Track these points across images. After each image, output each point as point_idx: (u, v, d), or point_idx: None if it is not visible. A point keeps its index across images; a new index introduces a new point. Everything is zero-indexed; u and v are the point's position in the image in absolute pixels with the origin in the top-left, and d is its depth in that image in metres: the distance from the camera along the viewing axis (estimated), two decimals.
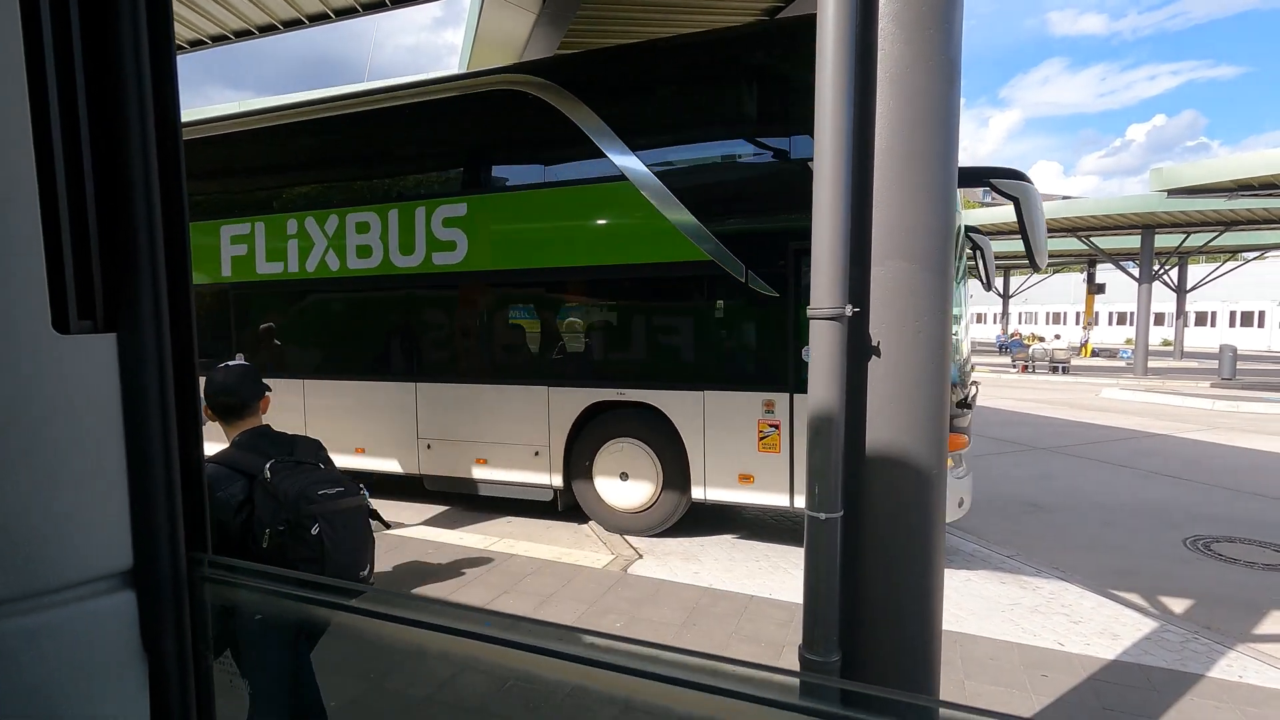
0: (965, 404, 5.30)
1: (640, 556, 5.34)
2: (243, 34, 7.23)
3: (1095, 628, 4.20)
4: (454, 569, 4.94)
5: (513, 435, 6.05)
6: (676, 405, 5.54)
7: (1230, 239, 21.66)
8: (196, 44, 7.40)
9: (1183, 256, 23.08)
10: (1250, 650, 3.92)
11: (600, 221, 5.68)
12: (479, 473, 6.23)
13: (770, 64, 5.41)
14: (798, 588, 4.65)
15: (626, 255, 5.63)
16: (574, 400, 5.83)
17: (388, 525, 2.99)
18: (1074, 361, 23.55)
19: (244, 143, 7.13)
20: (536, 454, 6.00)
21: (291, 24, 7.04)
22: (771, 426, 5.23)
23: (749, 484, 5.37)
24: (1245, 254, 26.99)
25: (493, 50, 8.31)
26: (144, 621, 0.58)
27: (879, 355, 1.96)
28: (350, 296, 6.67)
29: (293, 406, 6.75)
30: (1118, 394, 16.75)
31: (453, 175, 6.51)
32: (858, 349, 1.96)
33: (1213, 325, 38.70)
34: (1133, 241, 20.85)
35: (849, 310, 1.92)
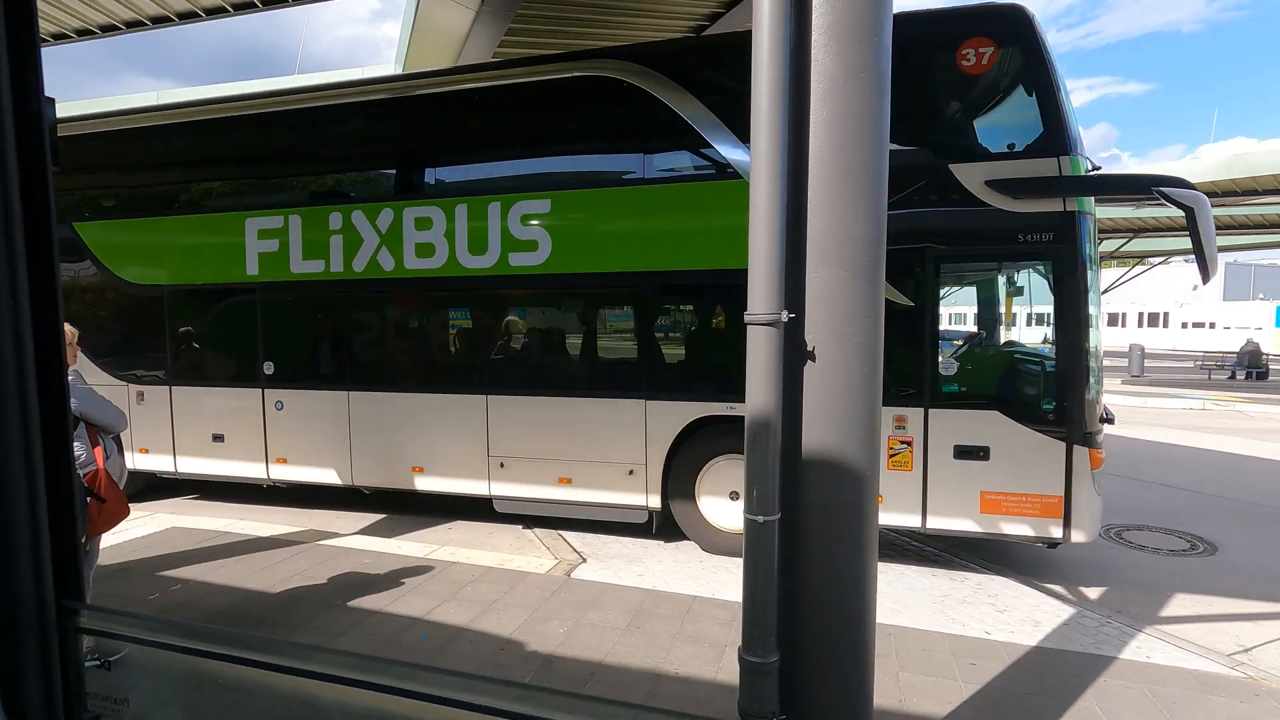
0: (1106, 419, 4.87)
1: (584, 560, 5.31)
2: (160, 20, 6.84)
3: (1019, 616, 4.40)
4: (393, 579, 4.80)
5: (604, 453, 5.55)
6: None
7: (1138, 245, 23.11)
8: (108, 29, 6.97)
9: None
10: (1156, 632, 4.18)
11: (711, 221, 5.21)
12: (562, 493, 5.69)
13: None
14: (740, 587, 4.70)
15: (743, 259, 5.51)
16: (677, 415, 5.36)
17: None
18: None
19: (279, 124, 6.47)
20: (631, 472, 5.50)
21: (214, 11, 6.70)
22: (903, 444, 4.95)
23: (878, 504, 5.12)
24: (1151, 259, 28.85)
25: (431, 47, 8.14)
26: (2, 681, 0.51)
27: (814, 360, 2.00)
28: (406, 299, 6.13)
29: (333, 420, 6.19)
30: None
31: (533, 168, 6.00)
32: (794, 354, 2.00)
33: (1123, 325, 41.31)
34: None
35: (785, 316, 1.95)
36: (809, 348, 1.99)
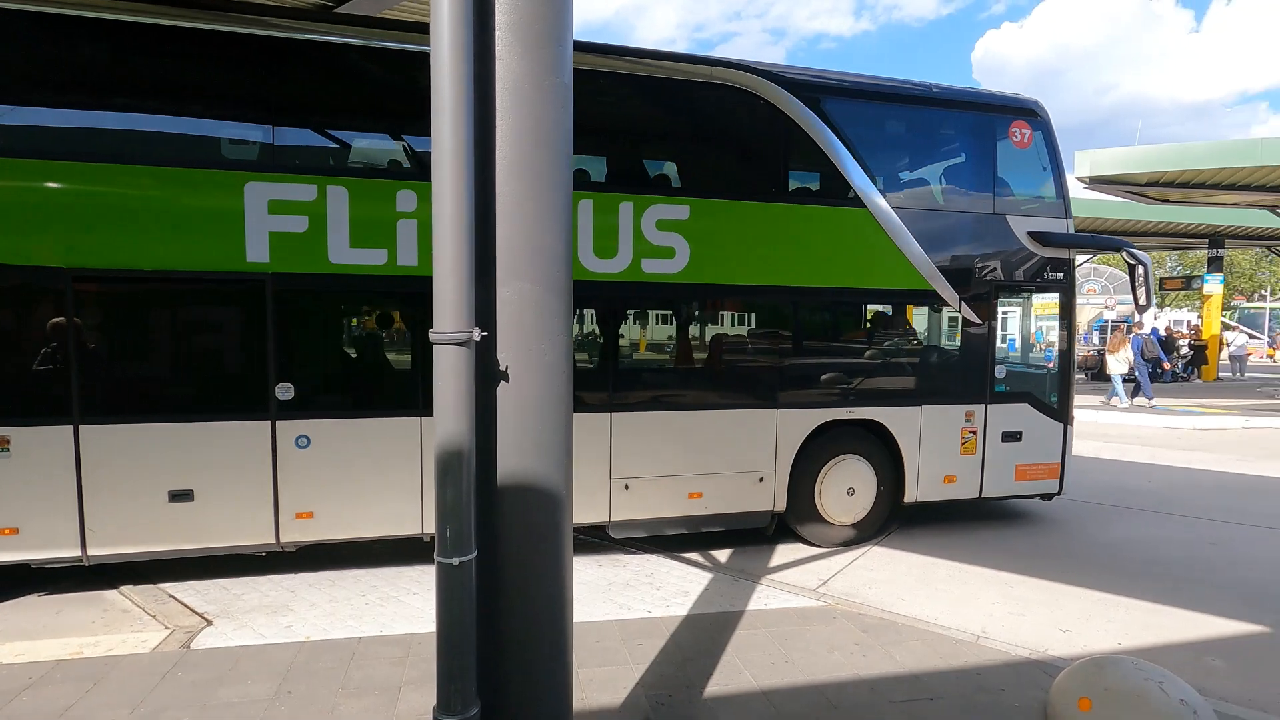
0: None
1: (210, 623, 4.31)
2: None
3: (672, 590, 4.93)
4: None
5: (735, 464, 5.66)
6: (898, 420, 6.01)
7: None
8: None
9: None
10: (770, 582, 5.11)
11: (837, 243, 5.80)
12: (690, 509, 5.59)
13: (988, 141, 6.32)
14: (413, 614, 4.31)
15: (861, 279, 5.94)
16: (804, 421, 5.77)
17: None
18: None
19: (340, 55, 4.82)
20: (761, 480, 5.73)
21: None
22: (971, 433, 6.14)
23: (952, 483, 6.21)
24: None
25: None
26: None
27: (507, 380, 1.87)
28: None
29: (405, 454, 4.87)
30: None
31: (671, 170, 5.83)
32: (486, 374, 1.84)
33: None
34: None
35: (477, 334, 1.79)
36: (502, 367, 1.86)
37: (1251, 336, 26.95)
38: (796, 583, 5.13)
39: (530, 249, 1.87)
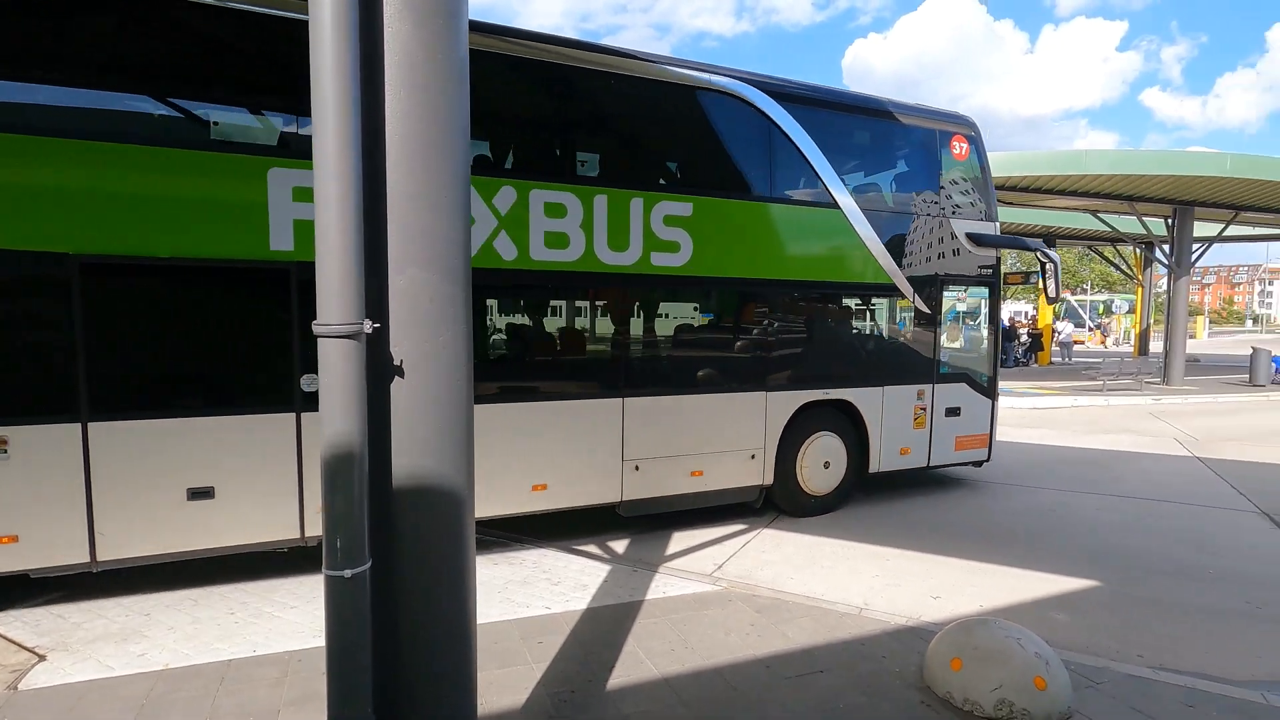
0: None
1: (41, 658, 3.77)
2: None
3: (571, 584, 4.88)
4: None
5: (730, 442, 6.14)
6: (865, 400, 6.76)
7: None
8: None
9: None
10: (667, 570, 5.17)
11: (815, 240, 6.52)
12: (692, 486, 6.04)
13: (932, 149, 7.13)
14: (291, 630, 4.00)
15: (835, 274, 6.62)
16: (789, 403, 6.37)
17: None
18: None
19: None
20: (753, 457, 6.25)
21: None
22: (921, 409, 7.02)
23: (906, 454, 7.04)
24: None
25: None
26: None
27: (402, 375, 1.74)
28: (529, 296, 5.70)
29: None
30: None
31: (675, 169, 6.20)
32: (379, 369, 1.70)
33: None
34: None
35: (369, 326, 1.64)
36: (396, 361, 1.72)
37: (1076, 326, 30.57)
38: (693, 569, 5.23)
39: (426, 234, 1.75)
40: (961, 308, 7.65)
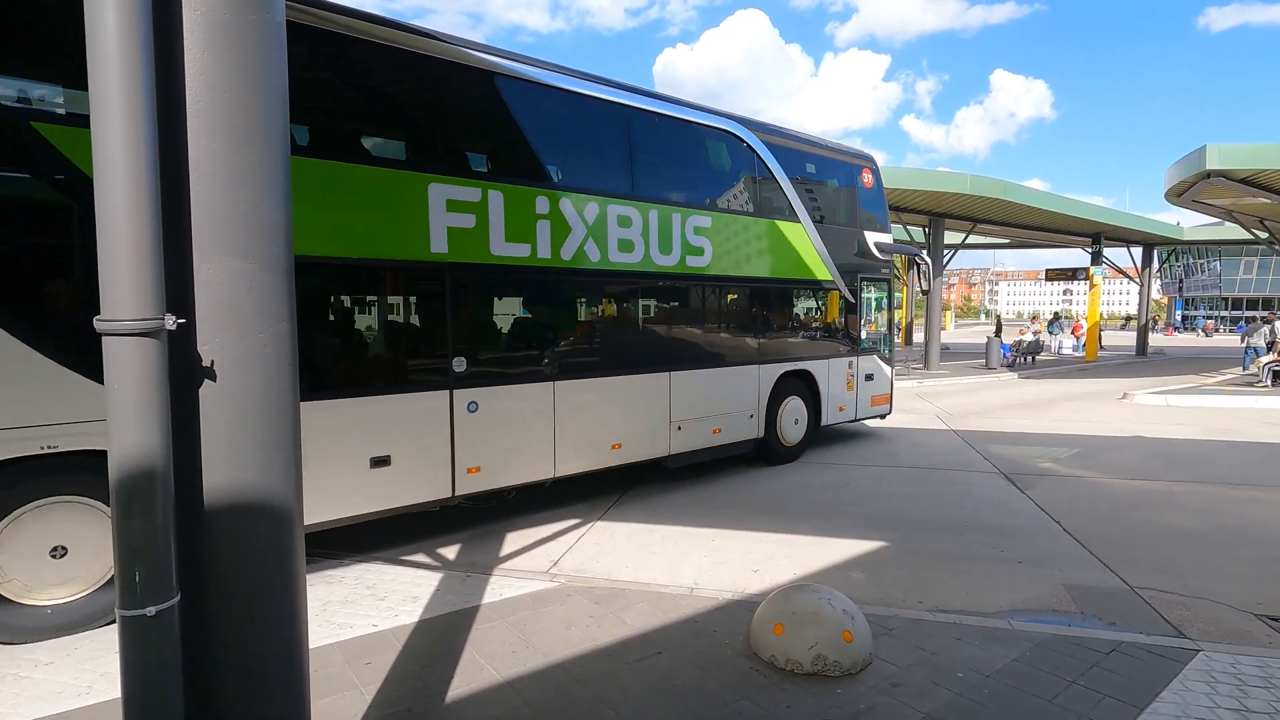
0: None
1: None
2: None
3: (400, 597, 4.59)
4: None
5: (738, 405, 7.92)
6: (819, 369, 8.88)
7: None
8: None
9: None
10: (502, 571, 5.06)
11: (786, 248, 8.34)
12: (714, 440, 7.70)
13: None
14: (48, 692, 3.38)
15: (799, 274, 8.53)
16: (774, 373, 8.30)
17: None
18: None
19: (495, 92, 5.95)
20: (751, 416, 8.07)
21: None
22: (851, 376, 9.33)
23: (843, 411, 9.29)
24: None
25: None
26: None
27: (214, 378, 1.52)
28: (608, 290, 6.77)
29: (537, 414, 6.09)
30: None
31: (699, 190, 7.62)
32: (185, 371, 1.47)
33: None
34: None
35: (171, 322, 1.41)
36: (206, 362, 1.50)
37: None
38: (529, 567, 5.17)
39: (239, 218, 1.53)
40: (872, 299, 9.89)
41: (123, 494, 1.36)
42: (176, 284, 1.45)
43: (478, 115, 6.04)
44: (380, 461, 5.17)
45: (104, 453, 3.83)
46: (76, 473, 3.98)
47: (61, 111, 4.05)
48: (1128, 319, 29.21)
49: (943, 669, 3.55)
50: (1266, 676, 3.44)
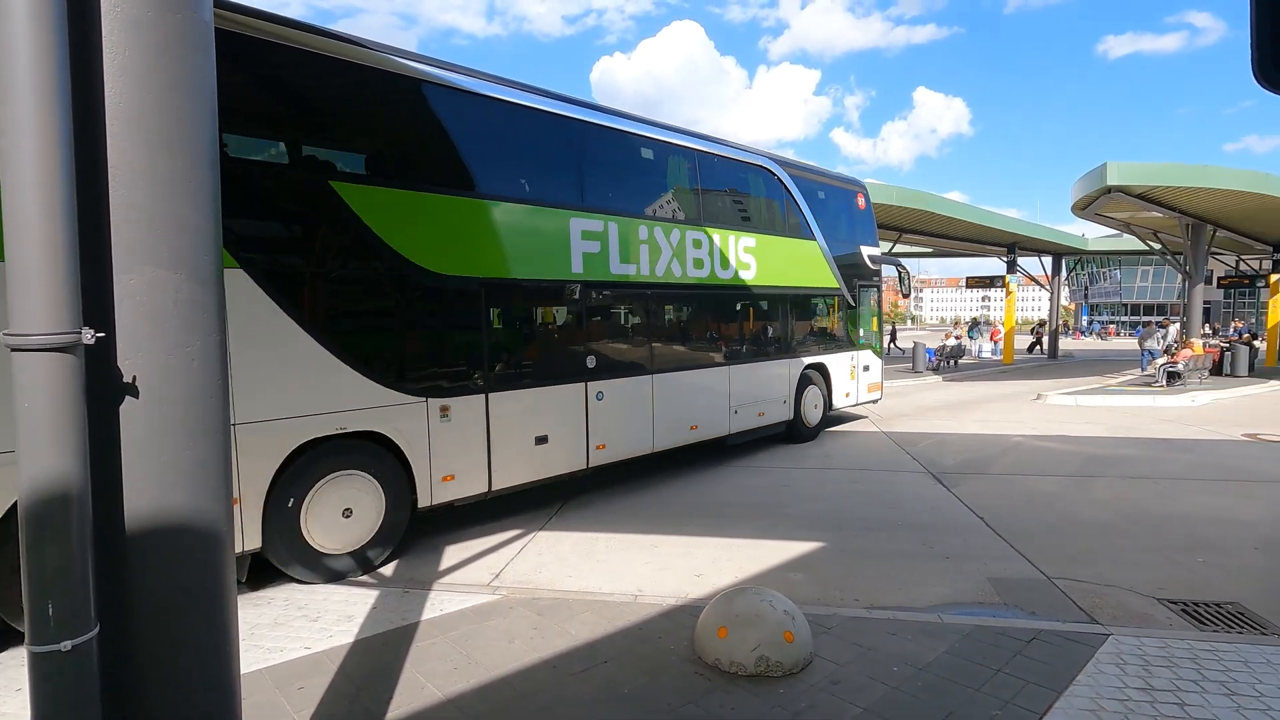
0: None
1: None
2: None
3: (334, 617, 4.42)
4: None
5: (776, 393, 9.57)
6: (830, 362, 10.66)
7: None
8: None
9: None
10: (442, 586, 4.95)
11: (806, 262, 10.09)
12: (759, 422, 9.28)
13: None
14: None
15: (815, 283, 10.30)
16: (799, 366, 10.04)
17: None
18: None
19: (611, 144, 7.51)
20: (784, 402, 9.73)
21: None
22: (852, 367, 11.13)
23: (847, 396, 11.11)
24: None
25: None
26: None
27: (136, 394, 1.43)
28: (687, 300, 8.32)
29: (641, 401, 7.58)
30: None
31: (745, 216, 9.20)
32: (104, 388, 1.38)
33: None
34: None
35: (89, 335, 1.32)
36: (127, 378, 1.41)
37: None
38: (470, 581, 5.07)
39: (164, 227, 1.45)
40: (866, 302, 11.56)
41: (32, 522, 1.26)
42: (95, 296, 1.36)
43: (601, 161, 7.47)
44: (541, 440, 6.55)
45: (378, 434, 5.34)
46: (359, 451, 5.32)
47: (357, 171, 5.67)
48: (1039, 332, 31.22)
49: (879, 664, 3.67)
50: (1168, 656, 3.71)
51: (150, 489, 1.45)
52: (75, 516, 1.30)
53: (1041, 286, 28.77)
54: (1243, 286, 27.31)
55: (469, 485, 5.99)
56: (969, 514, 6.68)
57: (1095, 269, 66.42)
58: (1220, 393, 15.83)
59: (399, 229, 5.51)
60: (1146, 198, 16.14)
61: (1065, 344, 36.80)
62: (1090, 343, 46.87)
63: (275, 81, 5.07)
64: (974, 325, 34.47)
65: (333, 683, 3.62)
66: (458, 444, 5.86)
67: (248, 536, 4.71)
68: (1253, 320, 33.58)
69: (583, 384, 6.95)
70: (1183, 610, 4.48)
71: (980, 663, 3.67)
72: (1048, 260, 28.18)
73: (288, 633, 4.20)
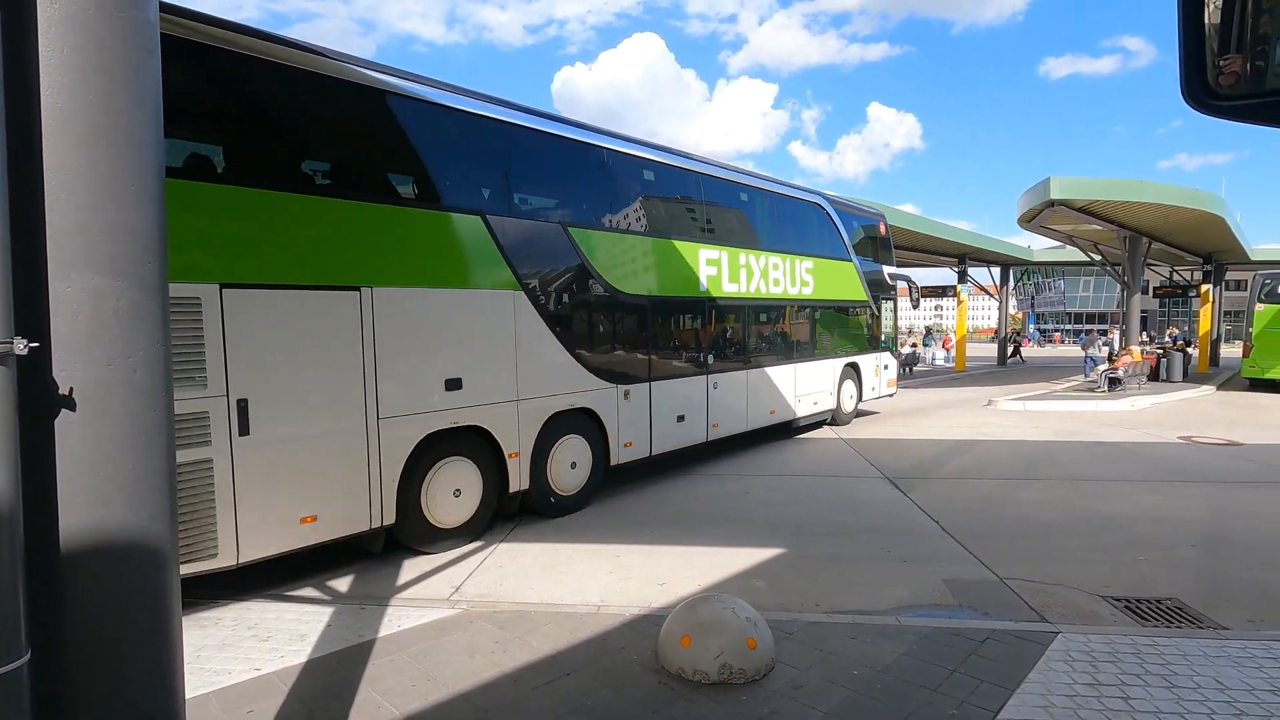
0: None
1: None
2: None
3: (285, 636, 4.28)
4: None
5: (825, 386, 11.87)
6: (862, 361, 12.89)
7: None
8: None
9: None
10: (400, 601, 4.83)
11: (846, 279, 12.25)
12: (814, 409, 11.62)
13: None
14: None
15: (851, 296, 12.44)
16: (840, 364, 12.27)
17: None
18: None
19: (723, 189, 9.87)
20: (830, 394, 12.03)
21: None
22: (876, 365, 13.40)
23: (873, 390, 13.41)
24: None
25: None
26: None
27: (73, 407, 1.36)
28: (768, 312, 10.43)
29: (741, 388, 9.76)
30: None
31: (804, 243, 11.22)
32: (38, 400, 1.31)
33: None
34: None
35: (20, 345, 1.26)
36: (63, 390, 1.34)
37: None
38: (429, 595, 4.97)
39: (105, 232, 1.39)
40: (885, 312, 13.70)
41: None
42: (29, 304, 1.29)
43: (719, 202, 9.80)
44: (680, 418, 8.64)
45: (477, 428, 6.35)
46: (464, 440, 6.19)
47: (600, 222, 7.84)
48: (1017, 341, 32.57)
49: (839, 668, 3.72)
50: (1113, 652, 3.85)
51: (88, 506, 1.38)
52: (5, 535, 1.23)
53: (990, 296, 29.71)
54: (1176, 296, 28.69)
55: (639, 450, 8.10)
56: (924, 517, 6.83)
57: (1041, 279, 68.97)
58: (1158, 397, 16.57)
59: (601, 259, 7.51)
60: (1087, 211, 16.85)
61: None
62: (1037, 349, 48.61)
63: (548, 168, 7.38)
64: (927, 334, 35.40)
65: (284, 706, 3.50)
66: (634, 419, 7.98)
67: (523, 479, 6.67)
68: (1185, 328, 35.30)
69: (705, 376, 9.04)
70: (1126, 607, 4.66)
71: (937, 664, 3.75)
72: (996, 270, 29.15)
73: (236, 654, 4.05)
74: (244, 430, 4.65)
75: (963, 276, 25.91)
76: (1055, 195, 15.44)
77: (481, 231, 6.24)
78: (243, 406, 4.65)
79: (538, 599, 4.88)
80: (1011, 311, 31.97)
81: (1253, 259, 25.28)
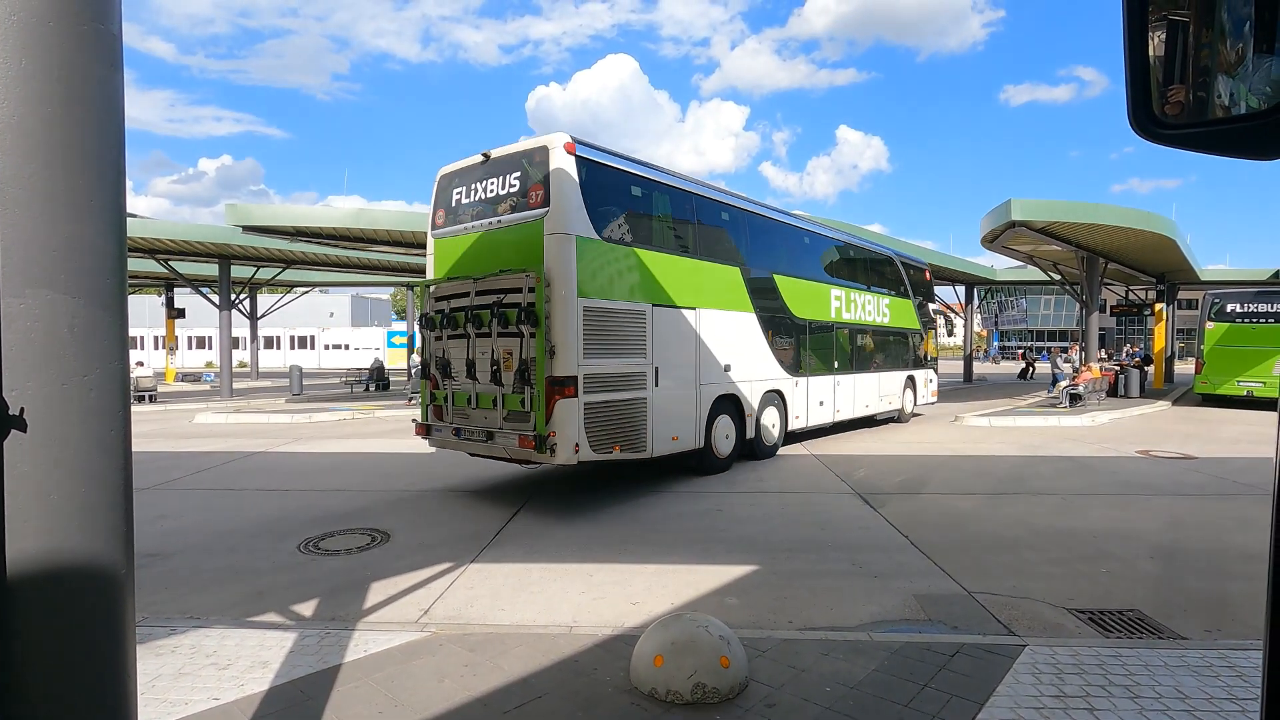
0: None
1: None
2: None
3: (246, 663, 4.13)
4: None
5: (896, 391, 15.83)
6: (916, 375, 16.83)
7: (291, 275, 25.42)
8: None
9: (254, 287, 25.60)
10: (367, 624, 4.71)
11: (906, 312, 16.38)
12: (888, 407, 15.52)
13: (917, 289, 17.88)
14: None
15: (908, 324, 16.38)
16: (905, 376, 16.28)
17: None
18: (160, 389, 22.59)
19: (842, 247, 14.43)
20: (898, 398, 15.93)
21: None
22: (926, 380, 17.51)
23: (922, 398, 17.26)
24: (301, 287, 32.25)
25: None
26: None
27: (24, 428, 1.31)
28: (861, 334, 14.28)
29: (852, 387, 13.86)
30: (210, 418, 17.08)
31: (882, 285, 15.49)
32: None
33: (278, 348, 44.84)
34: (211, 269, 21.69)
35: None
36: (14, 410, 1.29)
37: None
38: (397, 618, 4.86)
39: (60, 247, 1.35)
40: (931, 337, 17.49)
41: None
42: None
43: (841, 256, 14.15)
44: (821, 404, 12.75)
45: (733, 395, 11.22)
46: (729, 402, 10.25)
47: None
48: (1032, 358, 33.51)
49: (812, 685, 3.72)
50: (1078, 664, 3.91)
51: (37, 532, 1.32)
52: None
53: (956, 314, 30.38)
54: (1132, 314, 29.66)
55: (800, 424, 12.18)
56: (894, 532, 6.90)
57: (1004, 297, 70.85)
58: (1117, 413, 17.04)
59: (788, 295, 11.75)
60: (1047, 232, 17.39)
61: (980, 368, 38.80)
62: (1005, 366, 49.72)
63: (768, 238, 11.71)
64: None
65: None
66: (800, 400, 12.10)
67: (751, 430, 10.70)
68: (1141, 345, 36.43)
69: (832, 376, 13.11)
70: (1090, 619, 4.75)
71: (908, 679, 3.77)
72: (961, 289, 29.84)
73: (194, 683, 3.90)
74: (656, 384, 8.57)
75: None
76: (1016, 216, 15.95)
77: (739, 277, 10.48)
78: (657, 370, 8.59)
79: (509, 620, 4.80)
80: (976, 329, 32.69)
81: (1203, 279, 26.28)
